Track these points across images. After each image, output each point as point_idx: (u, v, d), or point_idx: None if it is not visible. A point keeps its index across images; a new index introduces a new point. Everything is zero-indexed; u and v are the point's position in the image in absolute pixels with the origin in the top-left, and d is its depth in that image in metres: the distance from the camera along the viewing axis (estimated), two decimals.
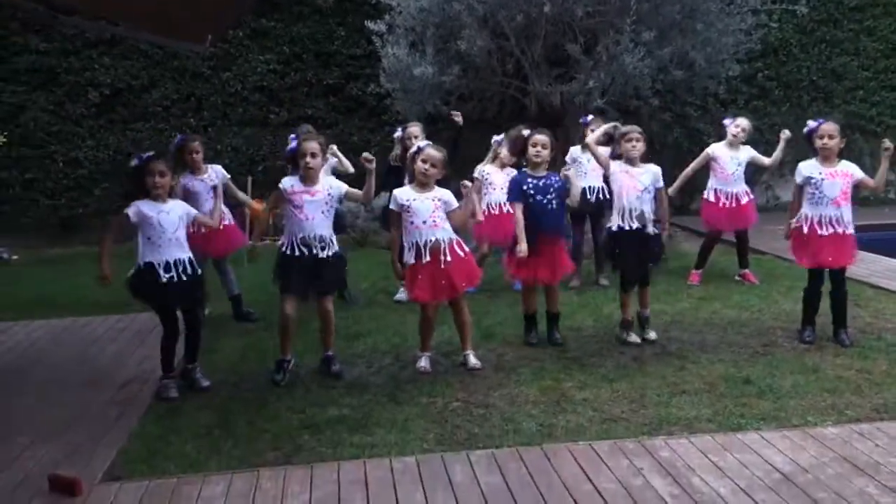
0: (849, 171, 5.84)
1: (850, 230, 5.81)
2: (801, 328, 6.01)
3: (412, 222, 5.38)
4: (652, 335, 6.11)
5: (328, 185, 5.44)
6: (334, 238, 5.49)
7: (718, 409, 4.69)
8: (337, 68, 12.23)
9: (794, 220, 5.94)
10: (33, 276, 9.81)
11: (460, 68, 9.75)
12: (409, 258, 5.41)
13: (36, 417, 4.91)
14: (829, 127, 5.79)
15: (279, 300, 5.46)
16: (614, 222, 5.96)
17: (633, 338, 6.07)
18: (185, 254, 5.24)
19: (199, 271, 5.33)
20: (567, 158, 8.00)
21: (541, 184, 5.82)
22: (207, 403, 5.07)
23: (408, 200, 5.39)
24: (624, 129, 6.08)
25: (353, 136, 12.11)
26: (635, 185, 5.87)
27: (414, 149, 5.63)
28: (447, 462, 4.08)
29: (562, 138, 9.09)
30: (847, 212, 5.81)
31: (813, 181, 5.80)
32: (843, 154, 5.92)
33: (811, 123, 5.97)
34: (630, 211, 5.88)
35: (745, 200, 7.77)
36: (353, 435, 4.48)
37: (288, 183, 5.36)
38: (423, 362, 5.57)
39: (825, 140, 5.78)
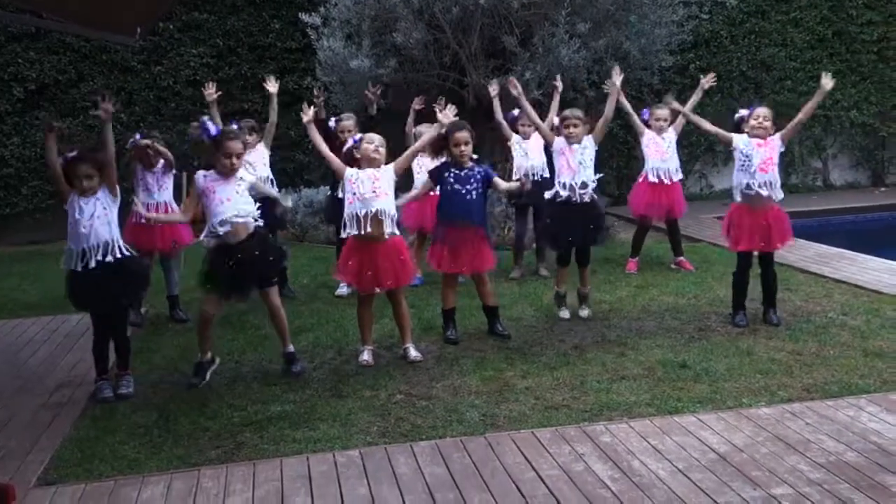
0: (776, 142, 6.03)
1: (778, 200, 6.01)
2: (732, 312, 6.17)
3: (354, 193, 5.33)
4: (585, 312, 6.26)
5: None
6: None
7: (657, 393, 4.79)
8: (272, 61, 12.04)
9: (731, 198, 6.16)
10: None
11: (397, 61, 9.73)
12: (349, 232, 5.36)
13: None
14: (764, 110, 6.03)
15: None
16: (557, 193, 6.14)
17: (565, 313, 6.25)
18: (105, 242, 5.02)
19: (133, 261, 5.17)
20: (510, 143, 8.02)
21: (462, 174, 5.84)
22: (145, 404, 4.97)
23: (353, 175, 5.38)
24: (565, 112, 6.35)
25: (290, 131, 11.96)
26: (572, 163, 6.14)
27: (349, 144, 5.62)
28: (391, 454, 4.08)
29: (498, 130, 9.13)
30: (774, 176, 5.97)
31: (743, 150, 5.98)
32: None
33: (742, 111, 6.17)
34: (576, 184, 6.09)
35: (676, 179, 7.92)
36: (296, 430, 4.45)
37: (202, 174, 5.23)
38: (365, 356, 5.55)
39: (760, 120, 5.98)
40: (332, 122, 7.63)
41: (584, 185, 6.16)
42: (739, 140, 6.04)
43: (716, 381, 4.95)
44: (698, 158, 12.98)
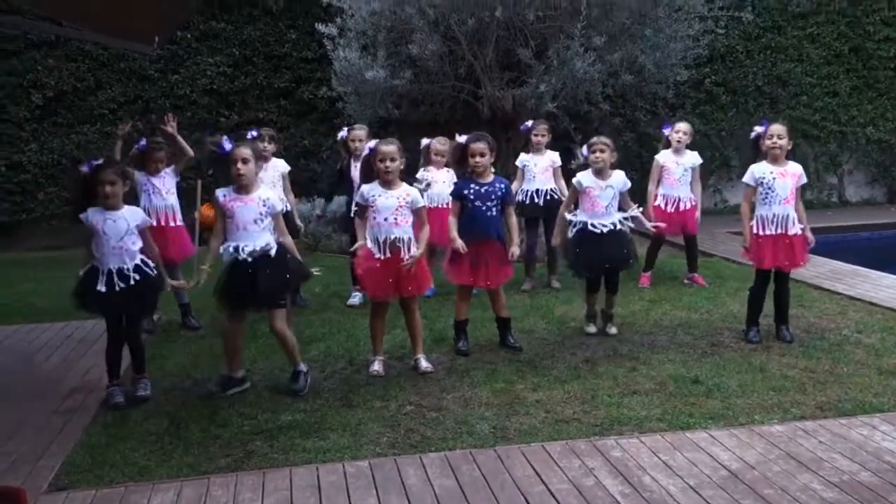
0: (797, 172, 5.97)
1: (798, 230, 5.94)
2: (746, 328, 6.13)
3: (374, 218, 5.38)
4: (614, 330, 6.34)
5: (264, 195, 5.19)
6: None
7: (668, 408, 4.76)
8: (288, 71, 12.13)
9: (751, 223, 6.02)
10: None
11: (412, 72, 9.76)
12: (371, 247, 5.42)
13: None
14: (778, 127, 5.94)
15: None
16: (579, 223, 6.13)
17: (591, 328, 6.32)
18: (132, 262, 5.05)
19: (151, 279, 5.14)
20: (517, 163, 8.03)
21: (483, 191, 5.83)
22: (157, 411, 4.99)
23: (373, 196, 5.38)
24: (593, 139, 6.27)
25: (305, 140, 12.03)
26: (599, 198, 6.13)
27: (366, 152, 5.61)
28: (400, 465, 4.07)
29: (515, 142, 9.18)
30: (793, 212, 5.94)
31: (765, 182, 5.91)
32: (789, 157, 6.04)
33: (758, 128, 6.12)
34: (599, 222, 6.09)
35: (688, 206, 7.87)
36: (306, 440, 4.45)
37: (221, 193, 5.12)
38: (376, 366, 5.55)
39: (774, 139, 5.90)
40: (342, 133, 7.60)
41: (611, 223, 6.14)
42: (755, 169, 5.98)
43: (728, 397, 4.92)
44: (713, 173, 12.94)
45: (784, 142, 5.90)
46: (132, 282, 5.02)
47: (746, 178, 6.04)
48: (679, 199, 7.83)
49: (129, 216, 5.11)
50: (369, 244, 5.41)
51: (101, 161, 5.11)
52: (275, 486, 3.90)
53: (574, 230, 6.18)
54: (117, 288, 4.98)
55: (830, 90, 13.30)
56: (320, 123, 12.24)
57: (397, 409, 4.89)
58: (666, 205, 7.83)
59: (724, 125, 12.93)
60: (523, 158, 7.94)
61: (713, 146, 12.80)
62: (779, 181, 5.88)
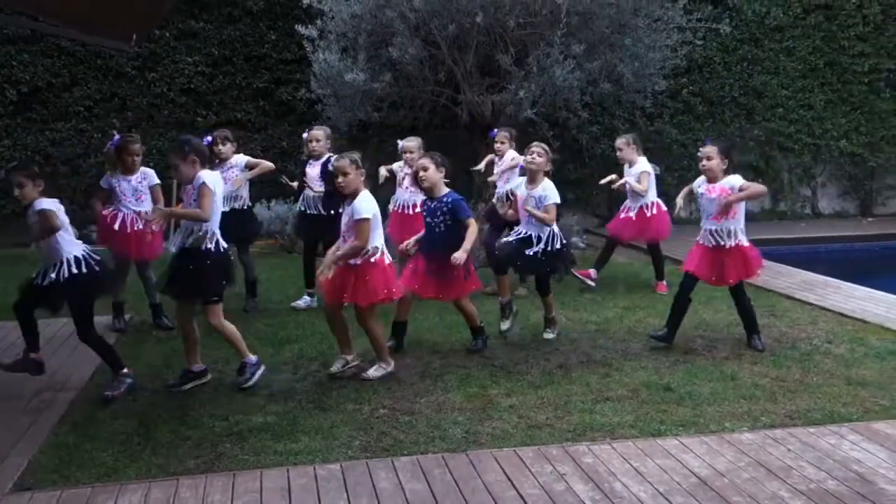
0: (727, 185, 5.92)
1: (736, 242, 5.96)
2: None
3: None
4: (550, 335, 6.41)
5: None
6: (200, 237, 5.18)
7: (640, 415, 4.78)
8: (267, 72, 12.07)
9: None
10: None
11: (392, 76, 9.76)
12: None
13: None
14: (708, 149, 5.97)
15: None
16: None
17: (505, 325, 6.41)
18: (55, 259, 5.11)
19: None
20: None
21: (432, 206, 5.86)
22: (127, 411, 4.93)
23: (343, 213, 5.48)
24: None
25: (283, 142, 11.98)
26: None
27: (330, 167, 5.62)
28: (372, 469, 4.06)
29: (492, 147, 9.17)
30: (730, 224, 5.94)
31: (698, 197, 6.08)
32: (729, 171, 6.02)
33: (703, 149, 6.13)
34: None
35: (652, 212, 7.95)
36: (278, 442, 4.42)
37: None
38: (337, 365, 5.54)
39: (704, 162, 5.97)
40: (305, 133, 7.54)
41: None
42: (696, 183, 6.13)
43: (699, 404, 4.95)
44: (690, 183, 13.01)
45: (713, 163, 5.91)
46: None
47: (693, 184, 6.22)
48: (639, 208, 7.95)
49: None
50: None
51: (13, 164, 5.31)
52: (245, 487, 3.87)
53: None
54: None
55: (805, 103, 13.46)
56: (299, 125, 12.14)
57: (370, 412, 4.88)
58: (624, 211, 8.03)
59: (701, 135, 13.02)
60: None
61: (689, 156, 12.90)
62: (706, 197, 5.98)
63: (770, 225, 12.68)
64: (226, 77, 11.94)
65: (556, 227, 6.22)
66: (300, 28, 10.01)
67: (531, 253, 6.17)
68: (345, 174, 5.29)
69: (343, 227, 5.42)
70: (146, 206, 6.54)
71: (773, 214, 13.39)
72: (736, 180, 5.91)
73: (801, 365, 5.69)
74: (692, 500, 3.72)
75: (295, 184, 7.59)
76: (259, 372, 5.33)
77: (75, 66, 11.58)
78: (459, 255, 5.55)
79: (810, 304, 7.46)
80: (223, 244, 5.25)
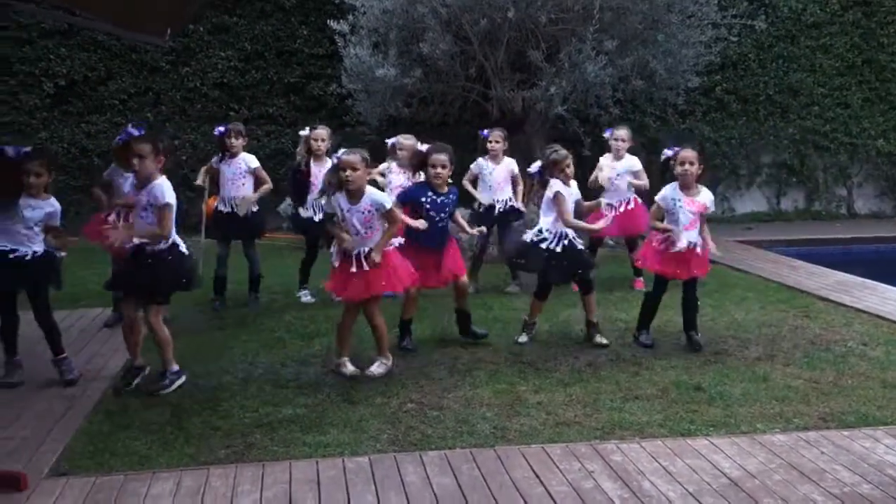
0: (705, 201, 5.95)
1: (699, 248, 5.97)
2: (636, 332, 6.21)
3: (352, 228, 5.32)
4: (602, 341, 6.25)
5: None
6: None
7: (670, 414, 4.75)
8: (298, 67, 12.14)
9: (662, 232, 5.97)
10: None
11: (423, 71, 9.75)
12: (335, 260, 5.39)
13: None
14: (689, 153, 5.89)
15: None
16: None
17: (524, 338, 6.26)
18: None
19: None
20: (472, 167, 7.98)
21: (439, 201, 5.85)
22: (159, 401, 5.00)
23: (344, 209, 5.30)
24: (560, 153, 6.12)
25: None
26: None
27: (334, 161, 5.41)
28: (400, 462, 4.07)
29: (524, 144, 9.17)
30: (695, 234, 5.93)
31: (672, 207, 5.91)
32: (708, 177, 6.13)
33: (668, 151, 6.06)
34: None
35: (629, 207, 7.91)
36: (307, 434, 4.45)
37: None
38: (348, 367, 5.46)
39: (686, 166, 5.87)
40: (304, 131, 7.54)
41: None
42: (667, 190, 5.98)
43: (730, 405, 4.90)
44: (721, 181, 12.91)
45: (694, 168, 5.85)
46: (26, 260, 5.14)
47: (658, 198, 6.02)
48: (620, 200, 7.90)
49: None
50: (334, 254, 5.41)
51: (28, 149, 5.24)
52: (274, 478, 3.90)
53: None
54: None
55: (842, 101, 13.25)
56: (329, 120, 12.21)
57: (398, 406, 4.89)
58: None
59: (734, 133, 12.91)
60: (480, 164, 7.92)
61: (723, 154, 12.79)
62: (685, 208, 5.88)
63: (804, 225, 12.53)
64: (258, 72, 12.03)
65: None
66: (332, 23, 10.03)
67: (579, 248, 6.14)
68: (354, 169, 5.20)
69: (357, 221, 5.29)
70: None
71: (808, 214, 13.22)
72: (709, 198, 5.99)
73: (835, 367, 5.61)
74: (722, 501, 3.68)
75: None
76: (179, 381, 5.23)
77: (111, 61, 11.74)
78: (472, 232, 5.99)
79: (845, 305, 7.35)
80: (184, 247, 5.22)
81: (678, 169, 5.89)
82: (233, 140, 7.15)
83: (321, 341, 6.20)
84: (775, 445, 4.30)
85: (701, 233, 5.97)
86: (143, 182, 5.12)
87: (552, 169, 6.04)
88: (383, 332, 5.52)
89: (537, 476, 3.92)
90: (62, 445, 4.29)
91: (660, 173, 6.26)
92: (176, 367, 5.27)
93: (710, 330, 6.55)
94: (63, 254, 5.33)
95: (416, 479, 3.90)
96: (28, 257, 5.15)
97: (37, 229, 5.20)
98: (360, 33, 9.92)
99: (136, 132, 5.31)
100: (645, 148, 12.14)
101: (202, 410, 4.82)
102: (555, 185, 5.97)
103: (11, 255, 5.11)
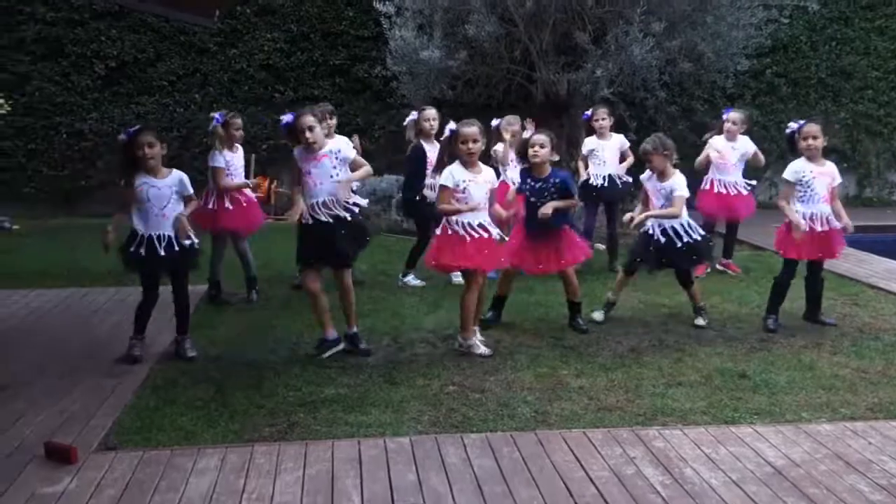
0: (833, 171, 5.98)
1: (836, 225, 5.97)
2: (765, 316, 6.16)
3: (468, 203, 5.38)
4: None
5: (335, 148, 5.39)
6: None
7: (713, 401, 4.70)
8: (344, 49, 12.18)
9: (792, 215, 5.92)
10: (35, 246, 9.81)
11: (467, 53, 9.72)
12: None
13: (34, 385, 4.93)
14: (813, 128, 5.90)
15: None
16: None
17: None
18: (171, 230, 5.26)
19: (189, 247, 5.32)
20: (583, 150, 8.10)
21: (538, 186, 5.88)
22: (204, 378, 5.08)
23: (464, 181, 5.37)
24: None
25: (358, 118, 12.09)
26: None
27: (447, 133, 5.49)
28: (441, 444, 4.09)
29: (567, 126, 9.10)
30: (829, 208, 5.96)
31: (804, 180, 5.90)
32: (826, 153, 6.00)
33: (792, 124, 6.06)
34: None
35: (742, 192, 7.85)
36: (349, 414, 4.50)
37: (297, 152, 5.39)
38: (481, 348, 5.54)
39: (810, 141, 5.88)
40: (412, 115, 7.53)
41: None
42: (797, 164, 5.95)
43: (775, 393, 4.84)
44: (769, 166, 12.67)
45: (819, 142, 5.88)
46: (176, 247, 5.25)
47: (787, 175, 5.99)
48: (736, 184, 7.84)
49: (172, 183, 5.30)
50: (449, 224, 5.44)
51: (139, 126, 5.33)
52: (317, 457, 3.95)
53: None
54: (158, 253, 5.19)
55: None
56: (374, 102, 12.27)
57: (440, 388, 4.92)
58: (713, 189, 7.85)
59: (784, 117, 12.62)
60: (591, 143, 8.02)
61: (772, 138, 12.54)
62: (818, 180, 5.89)
63: (855, 211, 12.17)
64: (303, 53, 12.11)
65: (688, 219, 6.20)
66: (377, 5, 10.05)
67: (678, 246, 6.12)
68: (475, 140, 5.33)
69: (473, 199, 5.36)
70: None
71: (859, 201, 12.92)
72: (835, 169, 6.03)
73: (884, 356, 5.50)
74: (765, 489, 3.64)
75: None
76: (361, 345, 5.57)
77: (160, 42, 11.91)
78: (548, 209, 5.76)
79: (895, 294, 7.19)
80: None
81: (802, 144, 5.91)
82: (233, 131, 6.93)
83: (363, 322, 6.22)
84: (821, 435, 4.23)
85: (833, 206, 5.96)
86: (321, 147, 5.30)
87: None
88: (473, 311, 5.59)
89: (578, 460, 3.91)
90: (111, 420, 4.39)
91: (784, 149, 6.28)
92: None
93: (755, 317, 6.46)
94: (195, 240, 5.41)
95: (456, 460, 3.92)
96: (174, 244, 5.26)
97: (171, 207, 5.26)
98: (405, 15, 9.92)
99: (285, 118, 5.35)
100: (693, 132, 12.04)
101: (246, 388, 4.89)
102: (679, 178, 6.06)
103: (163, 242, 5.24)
